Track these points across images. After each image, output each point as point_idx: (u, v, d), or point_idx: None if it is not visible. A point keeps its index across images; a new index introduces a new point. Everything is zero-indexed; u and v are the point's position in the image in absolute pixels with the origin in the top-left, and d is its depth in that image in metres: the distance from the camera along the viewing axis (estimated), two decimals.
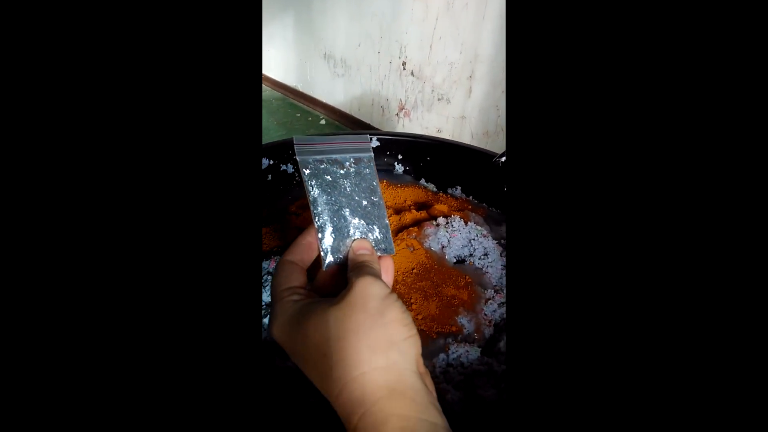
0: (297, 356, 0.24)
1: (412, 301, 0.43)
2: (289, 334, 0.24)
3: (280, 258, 0.29)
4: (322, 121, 2.29)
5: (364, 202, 0.29)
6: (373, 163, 0.29)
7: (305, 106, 2.49)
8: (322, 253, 0.27)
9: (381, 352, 0.22)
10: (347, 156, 0.29)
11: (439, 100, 1.67)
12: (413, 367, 0.22)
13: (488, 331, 0.42)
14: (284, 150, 0.59)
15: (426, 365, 0.38)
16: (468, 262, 0.49)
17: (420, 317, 0.41)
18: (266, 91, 2.74)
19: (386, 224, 0.29)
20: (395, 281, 0.45)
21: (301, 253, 0.28)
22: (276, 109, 2.46)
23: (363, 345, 0.22)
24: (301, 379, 0.25)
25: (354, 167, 0.29)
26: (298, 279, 0.27)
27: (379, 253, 0.28)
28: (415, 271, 0.46)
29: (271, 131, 2.19)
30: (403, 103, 1.84)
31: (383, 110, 1.97)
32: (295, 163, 0.22)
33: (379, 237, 0.29)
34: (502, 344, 0.40)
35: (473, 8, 1.39)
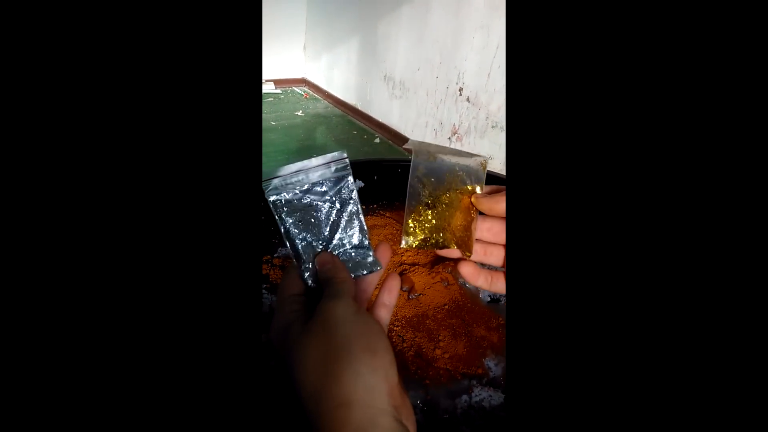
0: (288, 365, 0.24)
1: (440, 338, 0.43)
2: (280, 343, 0.25)
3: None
4: (377, 140, 2.36)
5: (341, 226, 0.29)
6: (351, 184, 0.29)
7: (362, 124, 2.57)
8: (307, 282, 0.28)
9: (345, 388, 0.20)
10: (323, 180, 0.28)
11: (492, 127, 1.66)
12: (383, 404, 0.20)
13: None
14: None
15: (447, 405, 0.39)
16: (503, 302, 0.49)
17: (447, 356, 0.42)
18: (327, 107, 2.87)
19: (367, 244, 0.29)
20: (426, 316, 0.46)
21: None
22: (335, 125, 2.57)
23: (330, 380, 0.20)
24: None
25: (330, 191, 0.28)
26: (299, 285, 0.27)
27: (365, 272, 0.28)
28: (446, 307, 0.47)
29: (329, 149, 2.28)
30: (457, 127, 1.85)
31: (436, 133, 1.99)
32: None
33: (359, 258, 0.29)
34: None
35: None
